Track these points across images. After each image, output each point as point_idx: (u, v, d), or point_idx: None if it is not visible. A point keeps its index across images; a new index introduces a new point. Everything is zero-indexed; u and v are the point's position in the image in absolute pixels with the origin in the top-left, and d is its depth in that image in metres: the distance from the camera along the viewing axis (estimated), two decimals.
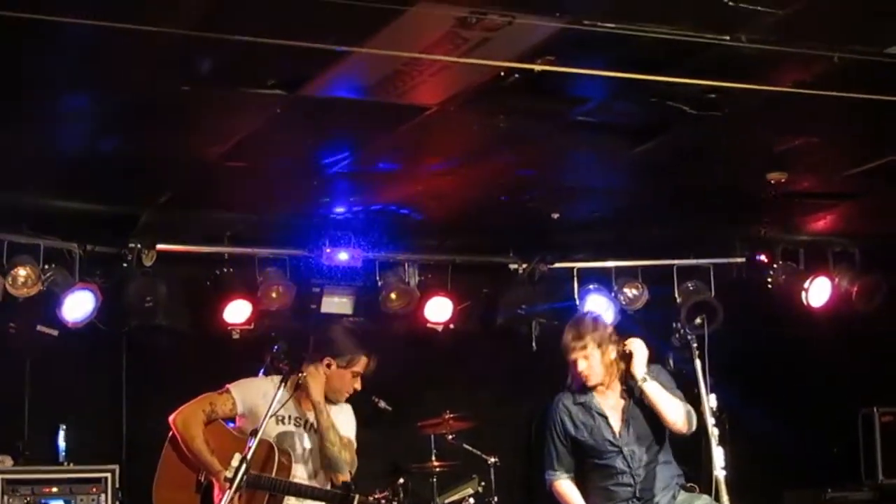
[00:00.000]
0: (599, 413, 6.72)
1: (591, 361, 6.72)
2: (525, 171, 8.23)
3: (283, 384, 6.43)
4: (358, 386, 7.09)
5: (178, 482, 6.72)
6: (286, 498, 6.68)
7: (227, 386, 6.93)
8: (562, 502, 6.70)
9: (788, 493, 9.85)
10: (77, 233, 8.81)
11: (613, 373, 6.74)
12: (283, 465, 6.61)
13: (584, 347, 6.78)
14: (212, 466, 6.61)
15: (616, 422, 6.71)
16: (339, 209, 8.97)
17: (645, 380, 6.61)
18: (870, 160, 8.02)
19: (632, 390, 6.74)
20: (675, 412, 6.63)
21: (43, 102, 6.52)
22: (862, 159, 8.04)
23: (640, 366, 6.63)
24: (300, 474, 6.74)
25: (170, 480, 6.78)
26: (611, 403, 6.76)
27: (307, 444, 6.80)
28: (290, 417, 6.88)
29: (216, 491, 6.64)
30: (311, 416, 6.82)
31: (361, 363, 7.09)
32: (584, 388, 6.80)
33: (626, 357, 6.69)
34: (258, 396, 6.82)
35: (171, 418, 6.84)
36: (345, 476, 6.86)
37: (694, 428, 6.65)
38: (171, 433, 6.87)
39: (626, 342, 6.73)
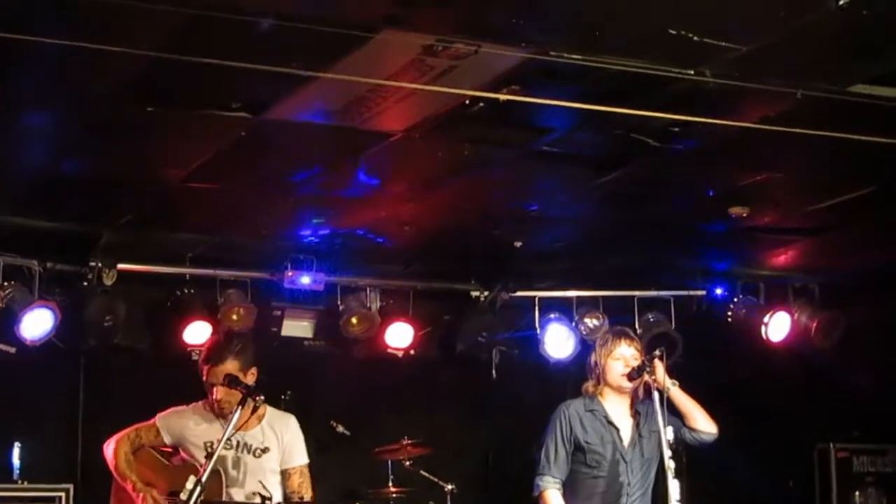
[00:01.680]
0: (611, 423, 6.67)
1: (635, 352, 6.66)
2: (489, 199, 8.23)
3: (240, 406, 6.37)
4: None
5: None
6: None
7: (156, 417, 6.87)
8: None
9: None
10: (37, 250, 8.75)
11: (632, 381, 6.65)
12: (214, 488, 6.53)
13: (633, 339, 6.75)
14: (133, 484, 6.60)
15: (626, 435, 6.65)
16: (303, 232, 8.94)
17: (675, 384, 6.54)
18: (832, 197, 8.06)
19: (639, 413, 6.66)
20: (703, 413, 6.60)
21: (5, 120, 6.47)
22: (824, 196, 8.08)
23: (664, 375, 6.54)
24: (236, 496, 6.66)
25: None
26: (621, 417, 6.69)
27: (242, 466, 6.73)
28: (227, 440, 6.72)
29: None
30: (243, 437, 6.74)
31: None
32: (596, 398, 6.71)
33: (653, 367, 6.56)
34: (184, 426, 6.77)
35: (104, 447, 6.81)
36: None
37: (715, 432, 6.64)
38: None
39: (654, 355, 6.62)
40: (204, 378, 6.75)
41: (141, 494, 6.56)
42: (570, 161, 7.31)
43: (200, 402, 6.85)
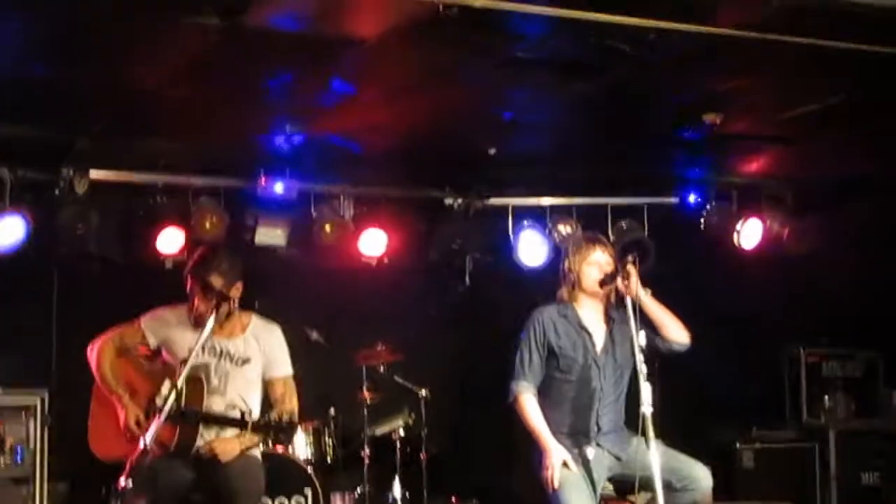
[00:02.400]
0: (584, 328, 6.69)
1: (609, 258, 6.66)
2: (463, 106, 8.21)
3: (214, 313, 6.41)
4: None
5: (106, 415, 6.72)
6: (201, 429, 6.67)
7: (140, 318, 6.88)
8: (524, 415, 6.59)
9: (712, 431, 9.97)
10: (8, 158, 8.70)
11: (605, 288, 6.66)
12: (195, 395, 6.58)
13: (606, 246, 6.76)
14: (116, 392, 6.65)
15: (599, 341, 6.68)
16: (277, 140, 8.91)
17: (647, 292, 6.57)
18: (805, 104, 8.05)
19: (613, 319, 6.69)
20: (676, 322, 6.64)
21: None
22: (797, 103, 8.07)
23: (637, 282, 6.56)
24: (216, 404, 6.71)
25: (99, 414, 6.80)
26: (594, 323, 6.71)
27: (223, 374, 6.77)
28: (204, 348, 6.73)
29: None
30: (226, 345, 6.78)
31: None
32: (569, 304, 6.73)
33: (626, 274, 6.56)
34: (169, 327, 6.80)
35: (87, 351, 6.84)
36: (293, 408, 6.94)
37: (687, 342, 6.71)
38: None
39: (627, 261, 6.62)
40: (187, 288, 6.78)
41: (123, 410, 6.60)
42: (545, 68, 7.28)
43: (184, 307, 6.87)
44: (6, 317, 9.33)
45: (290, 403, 6.87)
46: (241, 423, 6.53)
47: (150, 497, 6.29)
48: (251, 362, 6.84)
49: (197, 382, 6.57)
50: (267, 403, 6.94)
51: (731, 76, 7.52)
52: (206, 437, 6.68)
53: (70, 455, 8.55)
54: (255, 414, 6.70)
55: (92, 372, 6.85)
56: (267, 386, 6.91)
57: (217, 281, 6.67)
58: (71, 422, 7.57)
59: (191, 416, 6.50)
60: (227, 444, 6.63)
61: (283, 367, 6.97)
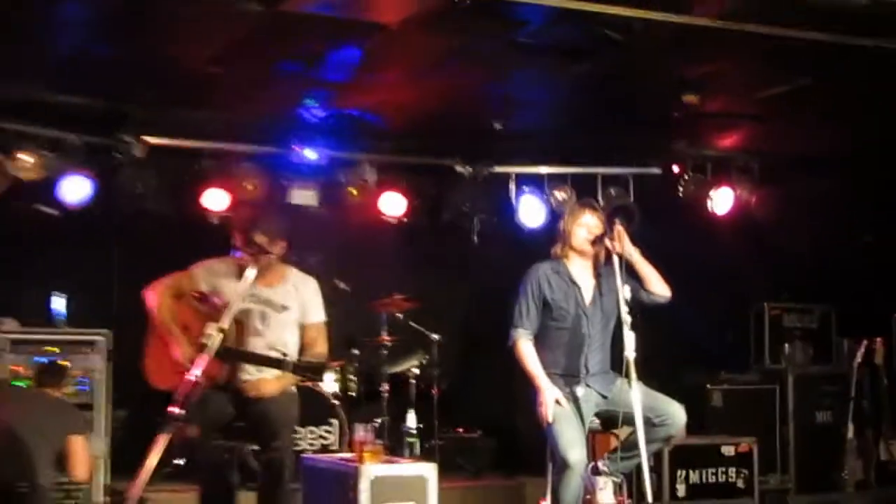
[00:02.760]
0: (574, 282, 6.64)
1: (598, 221, 6.61)
2: (473, 85, 8.16)
3: (254, 265, 6.36)
4: None
5: (161, 350, 6.65)
6: (244, 366, 6.64)
7: (191, 267, 6.82)
8: (521, 359, 6.53)
9: (686, 374, 9.94)
10: (75, 125, 8.68)
11: (595, 247, 6.60)
12: (239, 337, 6.55)
13: (596, 210, 6.70)
14: (172, 331, 6.58)
15: (588, 294, 6.63)
16: (309, 113, 8.87)
17: (636, 251, 6.51)
18: (772, 87, 8.01)
19: (600, 274, 6.64)
20: (659, 277, 6.60)
21: (47, 9, 6.39)
22: (765, 86, 8.03)
23: (628, 242, 6.51)
24: (257, 346, 6.67)
25: (154, 349, 6.71)
26: (583, 277, 6.66)
27: (264, 319, 6.73)
28: (248, 296, 6.63)
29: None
30: (268, 294, 6.74)
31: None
32: (562, 261, 6.67)
33: (614, 235, 6.51)
34: (218, 275, 6.73)
35: (143, 292, 6.76)
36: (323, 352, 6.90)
37: (669, 295, 6.66)
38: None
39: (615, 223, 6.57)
40: (233, 241, 6.74)
41: (178, 346, 6.54)
42: (546, 52, 7.24)
43: (230, 258, 6.83)
44: (74, 265, 9.36)
45: (321, 347, 6.83)
46: (278, 363, 6.49)
47: (198, 423, 6.28)
48: (290, 309, 6.79)
49: (240, 326, 6.53)
50: (302, 345, 6.90)
51: (707, 61, 7.47)
52: (247, 374, 6.65)
53: (128, 386, 8.56)
54: (292, 355, 6.67)
55: (148, 312, 6.78)
56: (302, 330, 6.86)
57: (260, 238, 6.60)
58: (129, 357, 7.55)
59: (234, 354, 6.47)
60: (268, 384, 6.60)
61: (318, 314, 6.92)
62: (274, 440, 6.57)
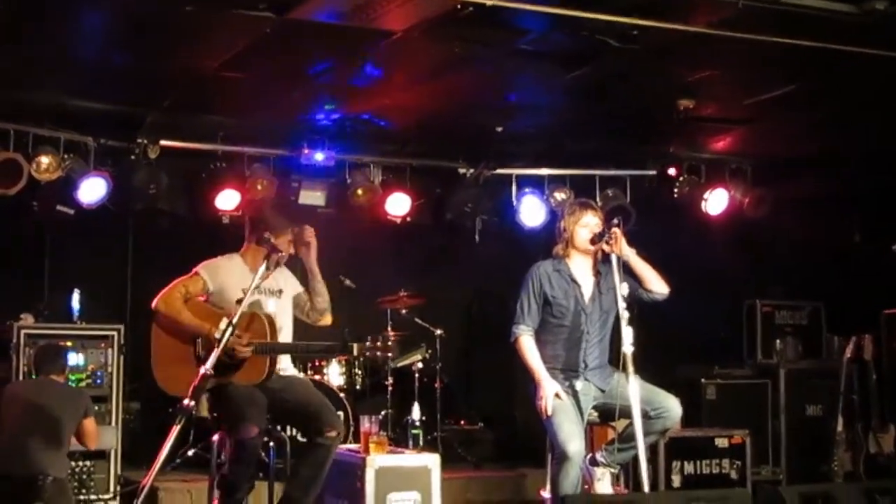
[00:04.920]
0: (574, 280, 6.68)
1: (597, 221, 6.63)
2: (475, 90, 8.19)
3: (266, 261, 6.40)
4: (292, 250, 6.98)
5: (174, 358, 6.60)
6: (279, 357, 6.66)
7: (196, 269, 6.79)
8: (522, 354, 6.56)
9: (681, 368, 9.96)
10: (93, 128, 8.73)
11: (594, 246, 6.63)
12: (272, 328, 6.57)
13: (596, 210, 6.73)
14: (202, 328, 6.52)
15: (587, 291, 6.65)
16: (318, 116, 8.91)
17: (633, 251, 6.55)
18: (764, 92, 8.03)
19: (600, 272, 6.67)
20: (657, 276, 6.63)
21: (66, 18, 6.44)
22: (757, 91, 8.05)
23: (625, 242, 6.55)
24: (283, 336, 6.73)
25: (166, 359, 6.65)
26: (584, 276, 6.69)
27: (273, 308, 6.78)
28: (255, 287, 6.54)
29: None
30: (268, 285, 6.77)
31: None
32: (563, 259, 6.70)
33: (612, 235, 6.55)
34: (224, 273, 6.75)
35: (153, 304, 6.67)
36: (328, 319, 6.96)
37: (667, 292, 6.72)
38: (155, 319, 6.69)
39: (613, 223, 6.60)
40: (247, 233, 6.78)
41: (205, 331, 6.54)
42: (545, 58, 7.27)
43: (237, 254, 6.87)
44: (89, 262, 9.41)
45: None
46: (343, 349, 6.54)
47: (256, 423, 6.33)
48: (284, 291, 6.86)
49: (257, 319, 6.54)
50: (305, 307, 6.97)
51: (701, 67, 7.49)
52: (281, 369, 6.72)
53: (141, 379, 8.61)
54: (288, 334, 6.76)
55: (156, 324, 6.67)
56: (296, 300, 6.92)
57: (270, 234, 6.66)
58: (142, 351, 7.59)
59: (266, 349, 6.52)
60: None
61: (299, 285, 7.00)
62: (329, 429, 6.53)
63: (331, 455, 6.55)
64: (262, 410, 6.48)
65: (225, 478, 6.49)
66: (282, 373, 6.73)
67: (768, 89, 7.93)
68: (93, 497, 8.11)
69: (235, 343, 6.33)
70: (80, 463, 8.04)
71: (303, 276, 6.99)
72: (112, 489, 8.27)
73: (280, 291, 6.84)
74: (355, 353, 6.56)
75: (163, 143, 8.88)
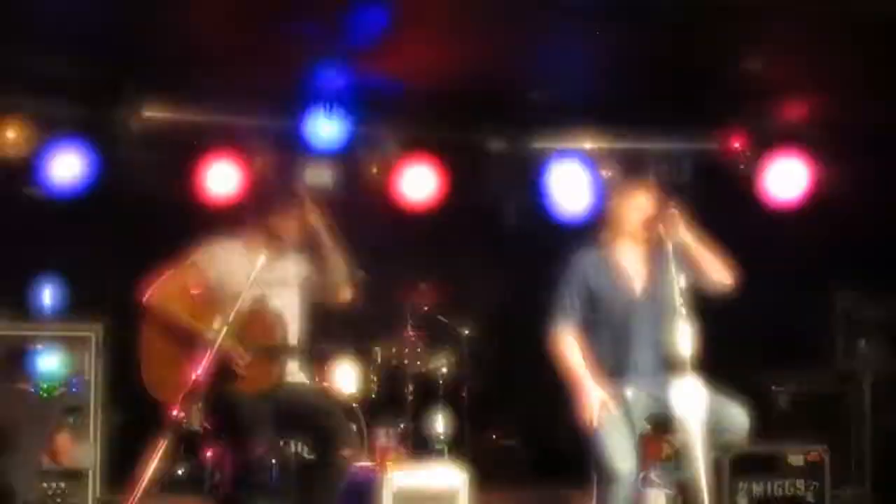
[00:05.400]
0: (623, 271, 6.64)
1: (651, 202, 6.60)
2: (507, 51, 8.17)
3: (268, 247, 6.40)
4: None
5: (165, 360, 6.61)
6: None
7: (193, 254, 6.83)
8: (563, 357, 6.56)
9: (749, 373, 9.89)
10: (64, 96, 8.73)
11: (647, 231, 6.60)
12: (281, 327, 6.60)
13: (649, 190, 6.69)
14: (198, 329, 6.54)
15: (639, 283, 6.64)
16: (322, 82, 8.91)
17: (693, 235, 6.51)
18: (846, 51, 7.97)
19: (653, 262, 6.64)
20: (720, 264, 6.59)
21: None
22: (838, 50, 8.00)
23: (682, 225, 6.50)
24: (290, 334, 6.74)
25: (156, 360, 6.68)
26: (634, 266, 6.67)
27: (280, 302, 6.76)
28: (258, 279, 6.58)
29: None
30: (276, 274, 6.76)
31: None
32: (610, 247, 6.67)
33: (668, 218, 6.51)
34: (224, 263, 6.76)
35: (144, 300, 6.72)
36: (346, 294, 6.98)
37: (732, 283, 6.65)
38: (146, 316, 6.74)
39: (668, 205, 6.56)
40: (245, 216, 6.77)
41: (197, 331, 6.54)
42: (589, 11, 7.24)
43: (236, 239, 6.87)
44: (63, 252, 9.40)
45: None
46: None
47: (264, 438, 6.34)
48: (290, 280, 6.85)
49: (277, 316, 6.55)
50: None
51: (772, 21, 7.43)
52: (290, 373, 6.75)
53: (124, 386, 8.62)
54: (296, 332, 6.77)
55: (147, 322, 6.76)
56: (306, 285, 6.93)
57: (273, 221, 6.67)
58: (124, 354, 7.60)
59: (275, 350, 6.50)
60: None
61: (306, 265, 6.98)
62: (342, 447, 6.54)
63: (344, 476, 6.55)
64: (269, 423, 6.48)
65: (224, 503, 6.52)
66: (287, 377, 6.71)
67: (851, 48, 7.88)
68: None
69: (233, 349, 6.34)
70: (53, 484, 8.06)
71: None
72: None
73: (287, 281, 6.83)
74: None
75: (146, 113, 8.88)
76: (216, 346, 5.95)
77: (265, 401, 6.53)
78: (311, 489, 6.59)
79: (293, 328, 6.79)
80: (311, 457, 6.85)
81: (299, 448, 7.30)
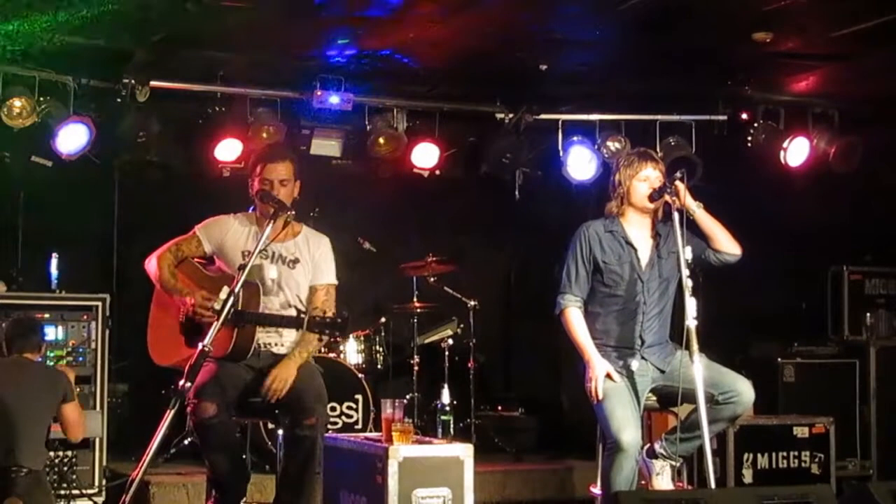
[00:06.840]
0: (629, 243, 6.65)
1: (658, 174, 6.59)
2: (515, 22, 8.14)
3: (271, 221, 6.39)
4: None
5: (165, 326, 6.68)
6: (262, 330, 6.66)
7: (195, 228, 6.82)
8: (569, 329, 6.56)
9: (755, 345, 9.93)
10: (72, 66, 8.71)
11: (654, 203, 6.59)
12: (252, 298, 6.56)
13: (657, 162, 6.68)
14: (180, 292, 6.59)
15: (645, 256, 6.63)
16: (332, 53, 8.88)
17: (699, 206, 6.50)
18: (855, 23, 7.93)
19: (660, 234, 6.63)
20: (727, 234, 6.57)
21: None
22: (848, 21, 7.95)
23: (690, 197, 6.50)
24: (272, 305, 6.71)
25: (158, 326, 6.76)
26: (641, 238, 6.66)
27: (274, 275, 6.76)
28: (262, 251, 6.60)
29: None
30: (278, 249, 6.76)
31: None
32: (617, 219, 6.66)
33: (675, 190, 6.50)
34: (223, 234, 6.76)
35: (144, 263, 6.77)
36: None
37: (739, 254, 6.66)
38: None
39: (676, 176, 6.55)
40: (257, 176, 6.74)
41: (191, 299, 6.55)
42: None
43: (240, 214, 6.87)
44: (69, 220, 9.41)
45: (329, 311, 6.80)
46: (296, 322, 6.50)
47: (214, 400, 6.32)
48: (300, 263, 6.82)
49: (252, 286, 6.54)
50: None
51: None
52: (263, 338, 6.70)
53: (130, 356, 8.65)
54: (284, 307, 6.72)
55: (152, 282, 6.81)
56: (310, 292, 6.89)
57: (285, 168, 6.66)
58: (131, 324, 7.62)
59: (248, 317, 6.50)
60: (284, 371, 6.62)
61: (329, 275, 6.92)
62: (307, 417, 6.50)
63: (317, 447, 6.53)
64: (229, 388, 6.47)
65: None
66: (274, 349, 6.73)
67: (861, 19, 7.83)
68: (74, 492, 8.14)
69: (201, 305, 6.43)
70: (60, 453, 8.08)
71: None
72: (97, 483, 8.30)
73: (296, 262, 6.81)
74: (309, 326, 6.49)
75: (153, 83, 8.86)
76: (223, 316, 5.97)
77: (240, 367, 6.57)
78: (288, 465, 6.59)
79: (280, 300, 6.77)
80: (280, 425, 6.83)
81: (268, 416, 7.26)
